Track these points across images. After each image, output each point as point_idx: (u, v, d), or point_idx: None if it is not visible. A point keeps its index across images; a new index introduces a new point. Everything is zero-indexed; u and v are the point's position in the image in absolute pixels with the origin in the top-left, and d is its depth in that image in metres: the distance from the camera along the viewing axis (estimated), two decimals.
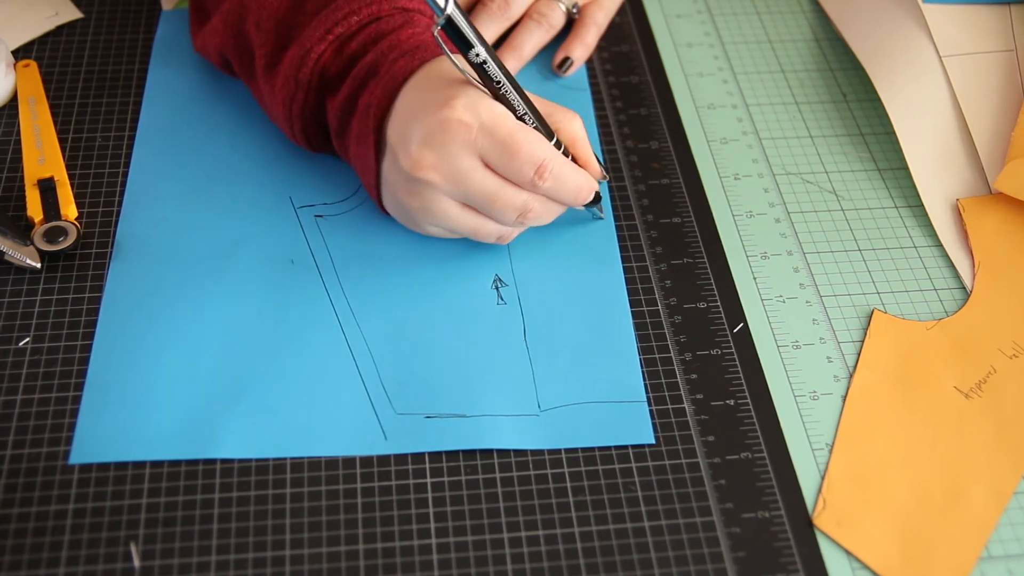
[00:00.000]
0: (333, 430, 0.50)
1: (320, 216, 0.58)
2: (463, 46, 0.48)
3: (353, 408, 0.50)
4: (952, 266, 0.58)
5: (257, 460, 0.48)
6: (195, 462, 0.48)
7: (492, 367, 0.52)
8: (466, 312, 0.54)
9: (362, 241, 0.57)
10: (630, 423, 0.50)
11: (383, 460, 0.49)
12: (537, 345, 0.53)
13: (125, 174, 0.59)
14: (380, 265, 0.56)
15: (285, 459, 0.49)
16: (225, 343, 0.52)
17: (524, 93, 0.51)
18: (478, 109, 0.49)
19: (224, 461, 0.48)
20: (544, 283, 0.56)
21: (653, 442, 0.50)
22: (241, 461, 0.48)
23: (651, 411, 0.51)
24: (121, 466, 0.48)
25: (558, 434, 0.50)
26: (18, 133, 0.61)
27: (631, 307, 0.55)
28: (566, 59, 0.66)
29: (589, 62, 0.68)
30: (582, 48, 0.67)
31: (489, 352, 0.53)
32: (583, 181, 0.53)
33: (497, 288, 0.55)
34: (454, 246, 0.57)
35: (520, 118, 0.51)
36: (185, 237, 0.56)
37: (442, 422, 0.50)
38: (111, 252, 0.55)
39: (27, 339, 0.52)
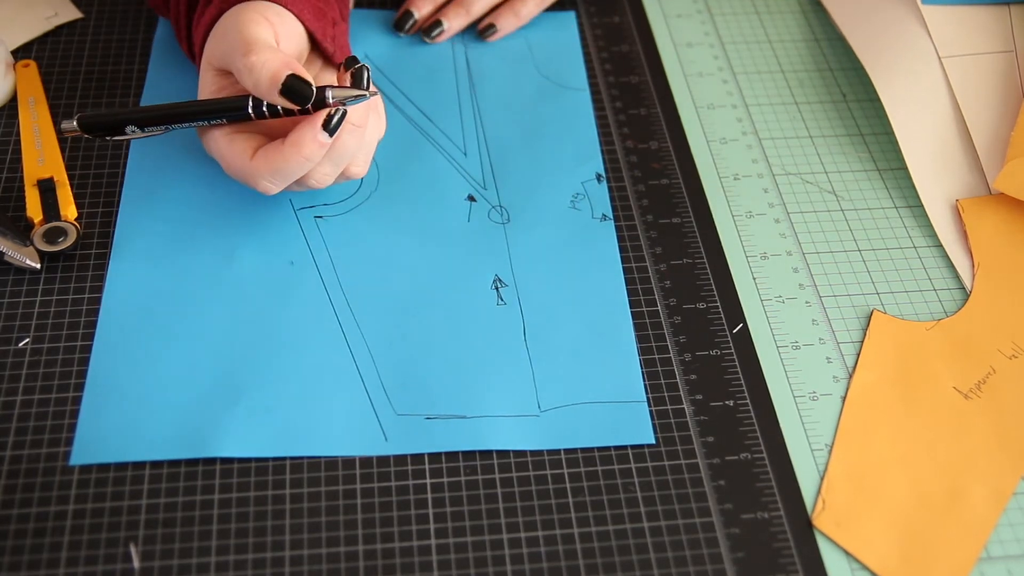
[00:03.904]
0: (333, 431, 0.49)
1: (320, 217, 0.58)
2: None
3: (353, 409, 0.50)
4: (952, 266, 0.58)
5: (257, 460, 0.48)
6: (195, 462, 0.48)
7: (492, 368, 0.52)
8: (466, 313, 0.54)
9: (362, 242, 0.57)
10: (630, 423, 0.50)
11: (383, 461, 0.49)
12: (537, 345, 0.53)
13: (124, 174, 0.59)
14: (380, 266, 0.56)
15: (285, 459, 0.49)
16: (225, 343, 0.52)
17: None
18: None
19: (224, 461, 0.48)
20: (544, 283, 0.56)
21: (653, 442, 0.50)
22: (241, 461, 0.48)
23: (651, 411, 0.51)
24: (121, 467, 0.48)
25: (558, 434, 0.50)
26: (18, 133, 0.61)
27: (631, 307, 0.55)
28: (491, 26, 0.68)
29: (589, 62, 0.68)
30: (513, 18, 0.68)
31: (489, 353, 0.53)
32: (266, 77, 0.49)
33: (497, 288, 0.55)
34: (454, 247, 0.57)
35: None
36: (184, 238, 0.56)
37: (442, 423, 0.50)
38: (111, 252, 0.55)
39: (27, 339, 0.52)
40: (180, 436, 0.49)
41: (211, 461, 0.48)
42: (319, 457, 0.49)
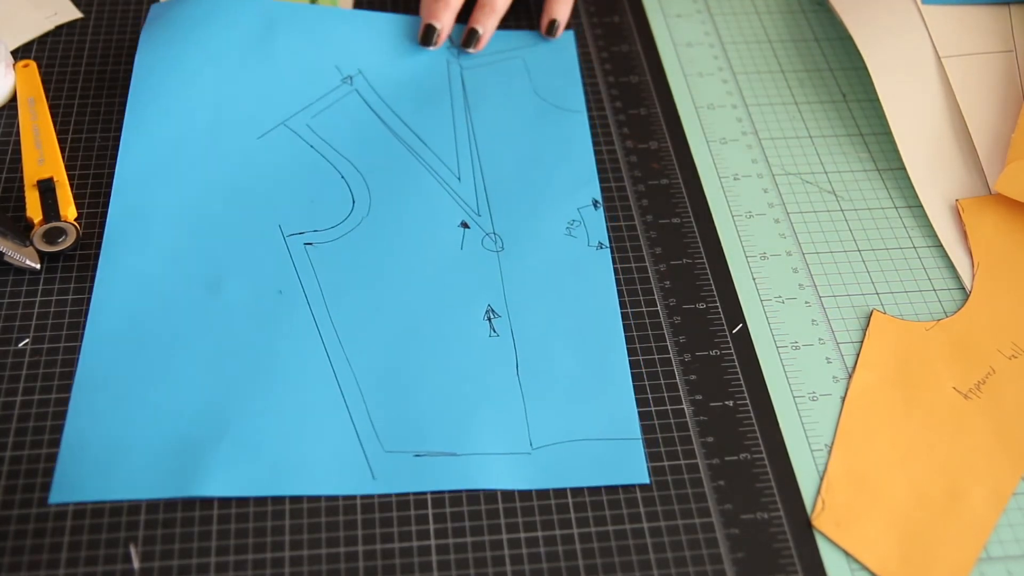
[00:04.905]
0: (320, 469, 0.48)
1: (309, 244, 0.56)
2: None
3: (341, 445, 0.49)
4: (951, 266, 0.58)
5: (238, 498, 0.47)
6: None
7: (483, 402, 0.51)
8: (457, 344, 0.53)
9: (351, 270, 0.55)
10: (624, 461, 0.49)
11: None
12: (530, 380, 0.52)
13: (112, 183, 0.58)
14: (370, 295, 0.54)
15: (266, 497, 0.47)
16: (210, 376, 0.50)
17: None
18: None
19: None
20: (537, 315, 0.54)
21: (647, 482, 0.49)
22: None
23: (650, 412, 0.51)
24: None
25: (550, 473, 0.48)
26: (17, 134, 0.61)
27: (630, 308, 0.55)
28: (553, 21, 0.68)
29: (588, 62, 0.68)
30: (564, 6, 0.68)
31: (480, 386, 0.51)
32: None
33: (489, 319, 0.54)
34: (447, 275, 0.56)
35: None
36: (170, 265, 0.54)
37: (432, 460, 0.48)
38: (94, 280, 0.54)
39: (26, 340, 0.52)
40: (163, 473, 0.47)
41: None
42: (303, 496, 0.47)
